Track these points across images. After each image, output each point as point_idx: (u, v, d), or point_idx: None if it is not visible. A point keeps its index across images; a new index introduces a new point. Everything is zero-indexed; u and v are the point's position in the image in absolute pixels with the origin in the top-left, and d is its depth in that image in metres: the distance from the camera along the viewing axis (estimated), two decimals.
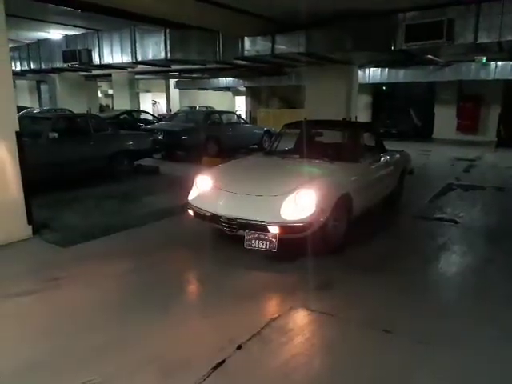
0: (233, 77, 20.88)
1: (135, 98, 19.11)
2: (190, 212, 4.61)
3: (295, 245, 4.06)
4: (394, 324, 3.07)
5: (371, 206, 5.27)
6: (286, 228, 3.95)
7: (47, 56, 11.92)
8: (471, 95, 15.96)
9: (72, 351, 2.74)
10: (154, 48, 9.07)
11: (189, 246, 4.66)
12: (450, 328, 3.05)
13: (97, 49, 10.28)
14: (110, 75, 16.74)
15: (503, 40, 6.51)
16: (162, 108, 27.19)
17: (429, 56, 10.64)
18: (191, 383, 2.41)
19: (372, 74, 16.26)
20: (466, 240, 5.17)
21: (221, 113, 12.94)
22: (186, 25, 7.94)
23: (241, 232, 4.04)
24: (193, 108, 22.06)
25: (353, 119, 9.69)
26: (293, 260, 4.17)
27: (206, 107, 22.36)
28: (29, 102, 20.59)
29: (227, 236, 4.27)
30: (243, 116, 20.14)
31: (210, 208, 4.31)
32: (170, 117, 14.71)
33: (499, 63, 13.80)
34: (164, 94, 25.94)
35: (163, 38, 8.76)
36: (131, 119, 14.55)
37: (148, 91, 27.91)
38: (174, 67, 13.03)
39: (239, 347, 2.75)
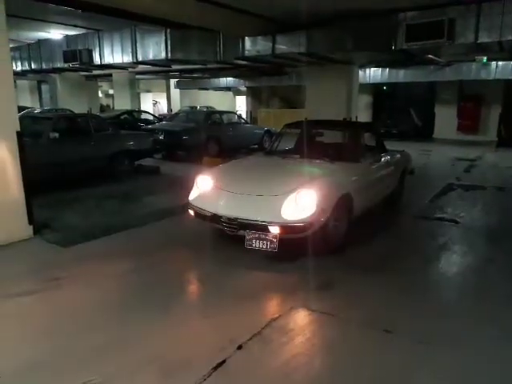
0: (233, 77, 20.89)
1: (136, 98, 19.12)
2: (191, 212, 4.61)
3: (296, 245, 4.06)
4: (395, 324, 3.07)
5: (372, 206, 5.27)
6: (286, 228, 3.95)
7: (48, 56, 11.93)
8: (472, 95, 15.95)
9: (73, 351, 2.74)
10: (154, 48, 9.07)
11: (189, 246, 4.66)
12: (450, 328, 3.05)
13: (97, 49, 10.27)
14: (110, 75, 16.76)
15: (504, 40, 6.51)
16: (163, 108, 27.20)
17: (429, 56, 10.63)
18: (192, 383, 2.41)
19: (372, 74, 16.26)
20: (467, 240, 5.17)
21: (221, 113, 12.94)
22: (186, 25, 7.95)
23: (241, 232, 4.05)
24: (193, 108, 22.08)
25: (353, 119, 9.69)
26: (293, 260, 4.17)
27: (207, 107, 22.39)
28: (30, 102, 20.63)
29: (228, 236, 4.28)
30: (244, 116, 20.14)
31: (211, 208, 4.31)
32: (170, 117, 14.71)
33: (500, 63, 13.80)
34: (165, 93, 25.97)
35: (164, 38, 8.75)
36: (132, 119, 14.56)
37: (149, 91, 27.93)
38: (174, 67, 13.03)
39: (240, 347, 2.75)
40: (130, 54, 9.60)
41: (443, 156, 12.22)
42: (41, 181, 5.71)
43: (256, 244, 3.95)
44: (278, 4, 6.91)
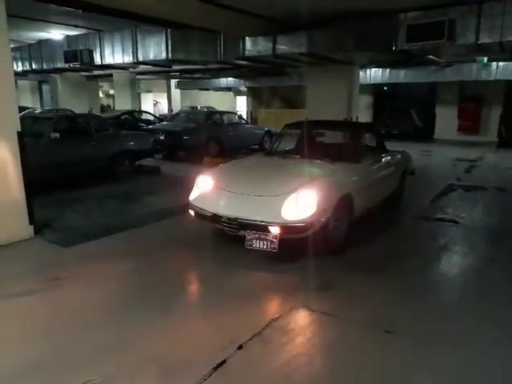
0: (234, 77, 20.89)
1: (136, 99, 19.15)
2: (191, 212, 4.61)
3: (296, 245, 4.05)
4: (395, 324, 3.07)
5: (372, 207, 5.27)
6: (286, 228, 3.95)
7: (49, 56, 11.94)
8: (472, 96, 15.95)
9: (73, 351, 2.74)
10: (155, 48, 9.09)
11: (190, 246, 4.66)
12: (450, 328, 3.05)
13: (98, 49, 10.29)
14: (111, 75, 16.77)
15: (504, 40, 6.51)
16: (164, 108, 27.21)
17: (430, 56, 10.61)
18: (192, 383, 2.41)
19: (373, 75, 16.26)
20: (467, 240, 5.16)
21: (222, 113, 12.94)
22: (187, 25, 7.95)
23: (242, 232, 4.04)
24: (194, 108, 22.08)
25: (354, 119, 9.70)
26: (294, 260, 4.17)
27: (207, 107, 22.39)
28: (30, 102, 20.68)
29: (228, 236, 4.28)
30: (244, 116, 20.14)
31: (211, 208, 4.31)
32: (171, 117, 14.72)
33: (500, 64, 13.79)
34: (165, 94, 25.98)
35: (164, 38, 8.77)
36: (132, 119, 14.58)
37: (149, 91, 27.95)
38: (175, 67, 13.04)
39: (240, 347, 2.75)
40: (131, 55, 9.61)
41: (444, 156, 12.21)
42: (41, 181, 5.72)
43: (256, 244, 3.95)
44: (278, 4, 6.91)
